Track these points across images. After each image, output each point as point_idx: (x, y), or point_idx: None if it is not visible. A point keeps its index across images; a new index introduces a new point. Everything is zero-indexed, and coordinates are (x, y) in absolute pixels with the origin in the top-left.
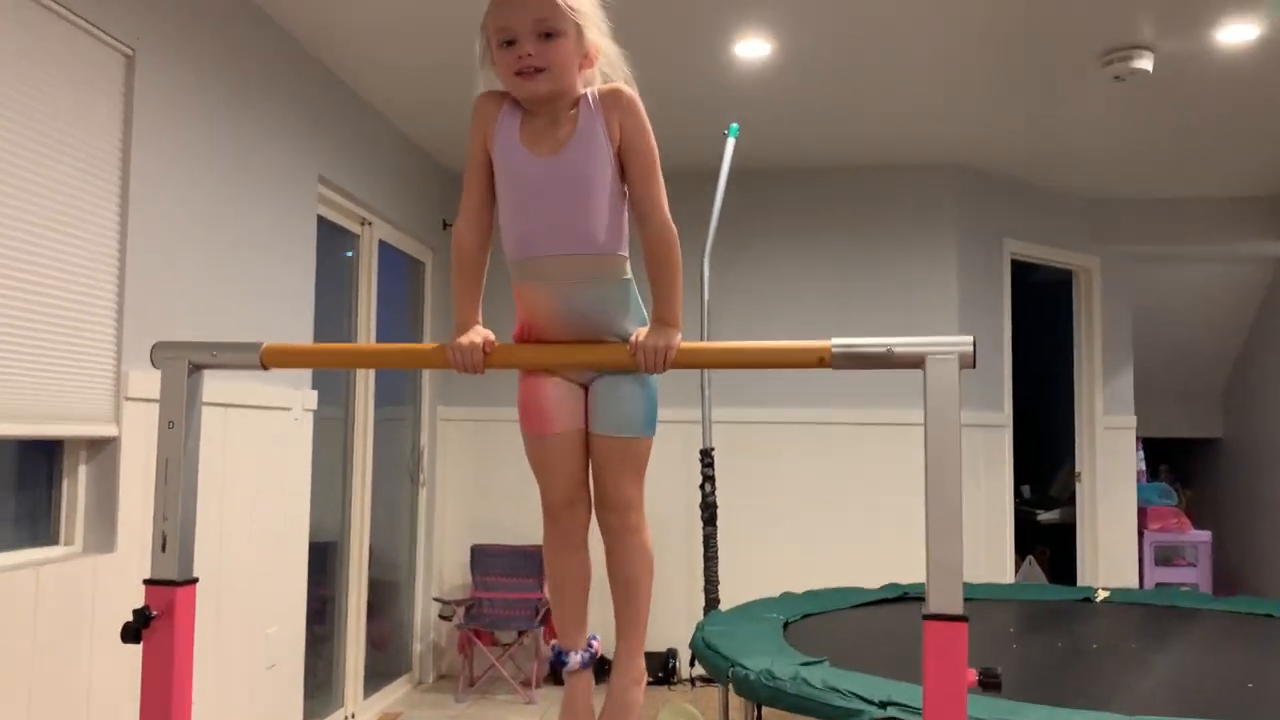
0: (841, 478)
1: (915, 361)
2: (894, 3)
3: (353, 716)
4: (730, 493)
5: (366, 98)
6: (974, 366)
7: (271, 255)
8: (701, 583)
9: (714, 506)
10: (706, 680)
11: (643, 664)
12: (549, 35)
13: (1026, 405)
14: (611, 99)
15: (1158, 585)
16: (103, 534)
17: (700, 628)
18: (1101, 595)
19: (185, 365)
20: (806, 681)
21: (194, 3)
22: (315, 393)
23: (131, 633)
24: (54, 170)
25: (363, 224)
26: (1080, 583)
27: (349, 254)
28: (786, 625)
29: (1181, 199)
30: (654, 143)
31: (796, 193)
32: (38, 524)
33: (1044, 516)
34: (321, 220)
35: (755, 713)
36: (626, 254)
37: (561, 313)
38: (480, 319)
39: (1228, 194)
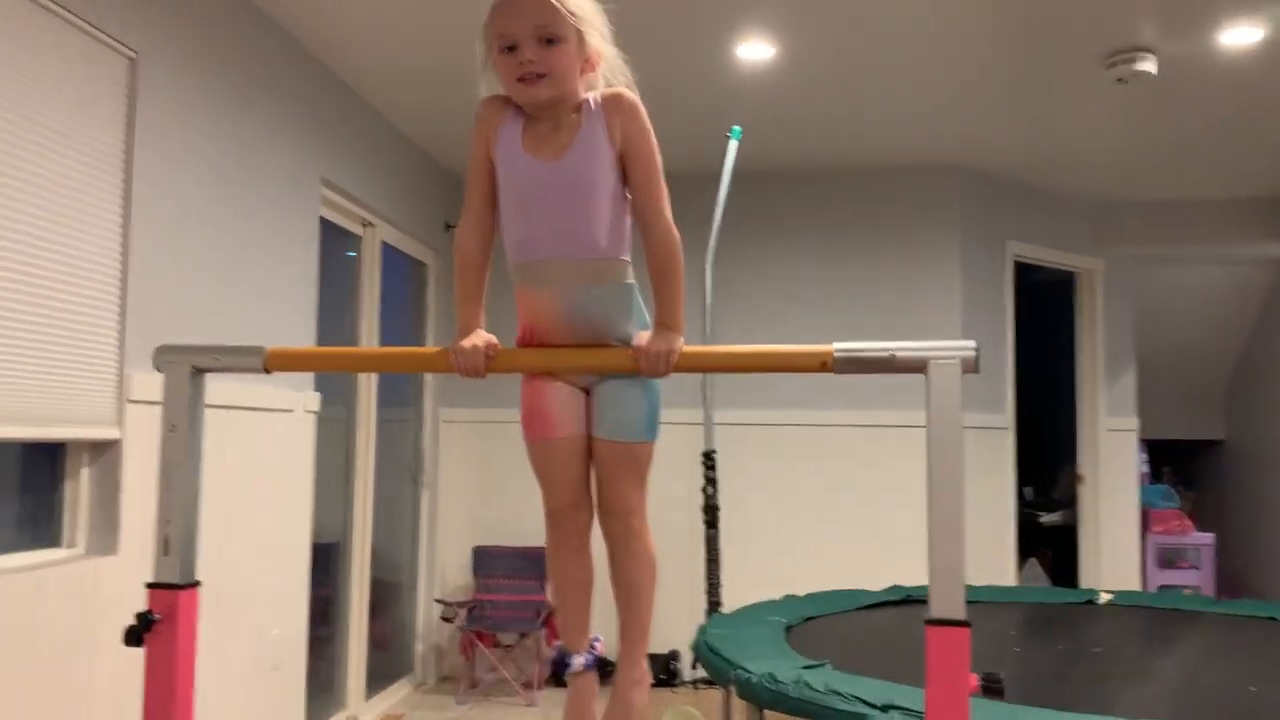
0: (844, 480)
1: (918, 366)
2: (896, 5)
3: (355, 718)
4: (732, 495)
5: (369, 100)
6: (977, 371)
7: (274, 257)
8: (704, 585)
9: (716, 509)
10: (709, 683)
11: (646, 666)
12: (550, 41)
13: (1029, 407)
14: (613, 103)
15: (1161, 588)
16: (105, 536)
17: (702, 630)
18: (1104, 598)
19: (188, 369)
20: (809, 685)
21: (197, 6)
22: (318, 394)
23: (134, 636)
24: (57, 173)
25: (365, 225)
26: (1082, 585)
27: (352, 253)
28: (789, 628)
29: (1184, 201)
30: (656, 147)
31: (799, 195)
32: (40, 526)
33: (1046, 518)
34: (324, 222)
35: (758, 716)
36: (628, 258)
37: (564, 317)
38: (483, 322)
39: (1230, 196)
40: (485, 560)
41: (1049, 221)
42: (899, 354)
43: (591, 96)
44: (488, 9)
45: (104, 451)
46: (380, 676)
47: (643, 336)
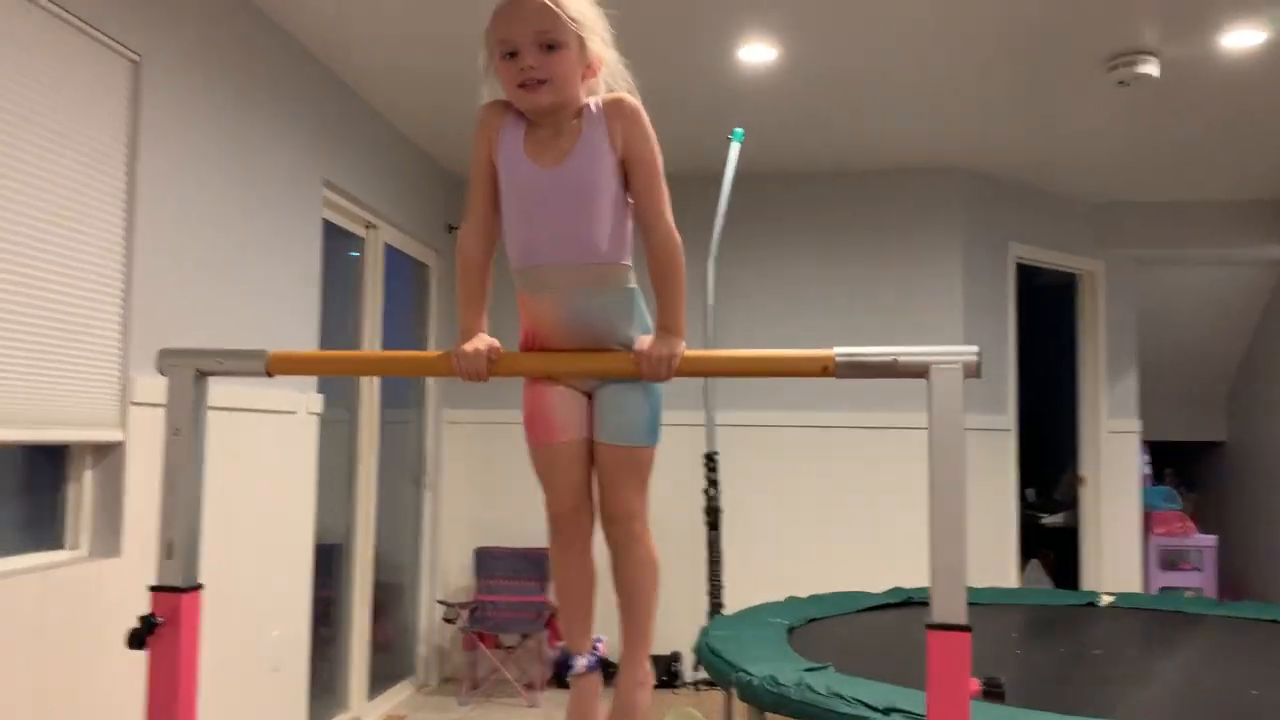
0: (846, 481)
1: (919, 372)
2: (898, 7)
3: (357, 719)
4: (734, 496)
5: (371, 101)
6: (978, 376)
7: (277, 258)
8: (706, 586)
9: (718, 510)
10: (710, 684)
11: (649, 667)
12: (551, 47)
13: (1031, 408)
14: (614, 109)
15: (1162, 590)
16: (108, 538)
17: (704, 632)
18: (1106, 600)
19: (191, 373)
20: (810, 688)
21: (201, 10)
22: (321, 396)
23: (137, 640)
24: (61, 175)
25: (368, 227)
26: (1084, 586)
27: (354, 253)
28: (791, 630)
29: (1186, 203)
30: (657, 151)
31: (801, 196)
32: (43, 528)
33: (1048, 520)
34: (326, 223)
35: (760, 718)
36: (630, 263)
37: (565, 321)
38: (485, 326)
39: (1232, 198)
40: (487, 561)
41: (1051, 223)
42: (901, 359)
43: (593, 101)
44: (489, 13)
45: (107, 454)
46: (382, 678)
47: (644, 341)
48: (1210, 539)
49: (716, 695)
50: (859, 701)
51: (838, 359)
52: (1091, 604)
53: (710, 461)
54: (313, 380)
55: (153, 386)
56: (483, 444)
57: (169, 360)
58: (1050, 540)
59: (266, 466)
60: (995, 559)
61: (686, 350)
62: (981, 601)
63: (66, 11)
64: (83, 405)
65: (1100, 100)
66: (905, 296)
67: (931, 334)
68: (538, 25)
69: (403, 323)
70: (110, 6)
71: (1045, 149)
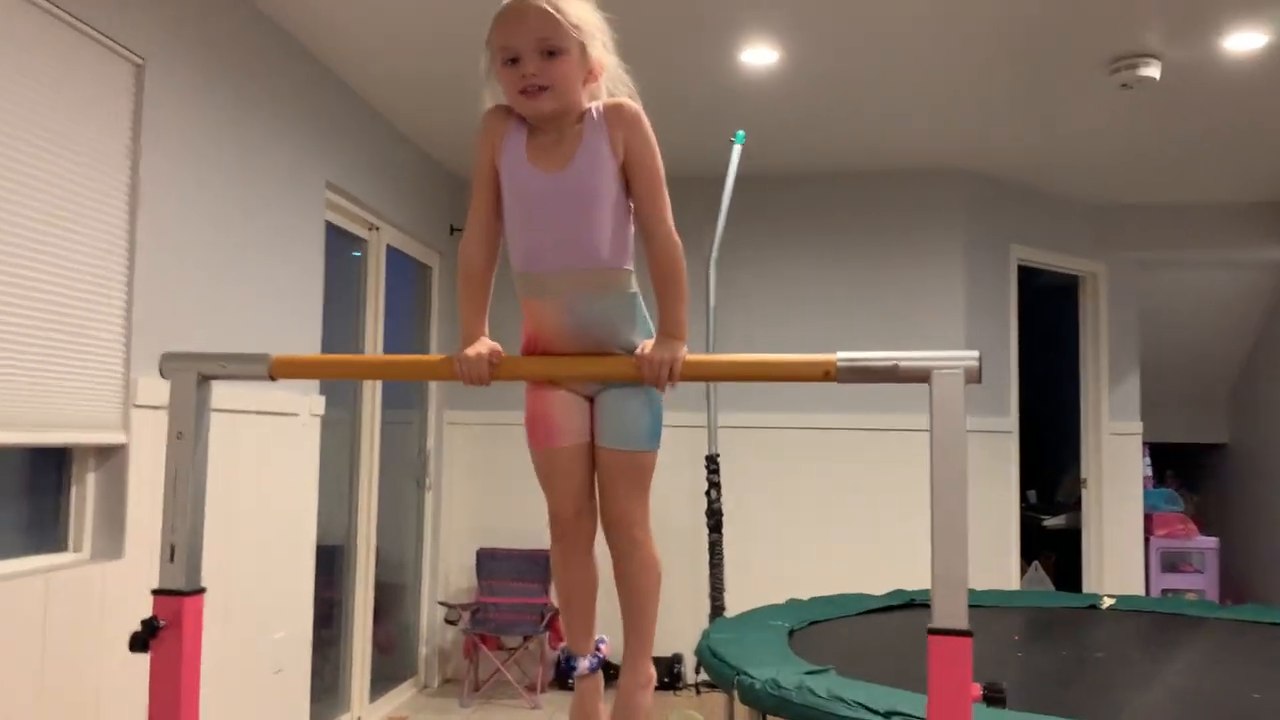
0: (848, 483)
1: (921, 376)
2: (900, 9)
3: None
4: (736, 499)
5: (373, 104)
6: (979, 381)
7: (279, 260)
8: (707, 589)
9: (719, 513)
10: (712, 686)
11: (651, 668)
12: (552, 53)
13: (1032, 410)
14: (615, 114)
15: (1164, 592)
16: (111, 541)
17: (706, 635)
18: (1107, 603)
19: (194, 376)
20: (811, 691)
21: (204, 12)
22: (323, 398)
23: (139, 643)
24: (64, 177)
25: (370, 229)
26: (1086, 589)
27: (357, 254)
28: (792, 632)
29: (1188, 205)
30: (658, 156)
31: (802, 198)
32: (46, 531)
33: (1050, 522)
34: (329, 225)
35: None
36: (632, 268)
37: (567, 326)
38: (487, 330)
39: (1234, 200)
40: (489, 563)
41: (1052, 225)
42: (902, 365)
43: (594, 107)
44: (491, 17)
45: (110, 456)
46: (384, 679)
47: (646, 345)
48: (1212, 541)
49: (718, 697)
50: (860, 705)
51: (839, 364)
52: (1093, 606)
53: (712, 464)
54: (315, 382)
55: (155, 388)
56: (484, 445)
57: (172, 364)
58: (1052, 542)
59: (268, 468)
60: (996, 561)
61: (688, 354)
62: (983, 604)
63: (72, 16)
64: (85, 407)
65: (1102, 102)
66: (906, 298)
67: (932, 336)
68: (539, 31)
69: (405, 324)
70: (115, 11)
71: (1047, 150)
